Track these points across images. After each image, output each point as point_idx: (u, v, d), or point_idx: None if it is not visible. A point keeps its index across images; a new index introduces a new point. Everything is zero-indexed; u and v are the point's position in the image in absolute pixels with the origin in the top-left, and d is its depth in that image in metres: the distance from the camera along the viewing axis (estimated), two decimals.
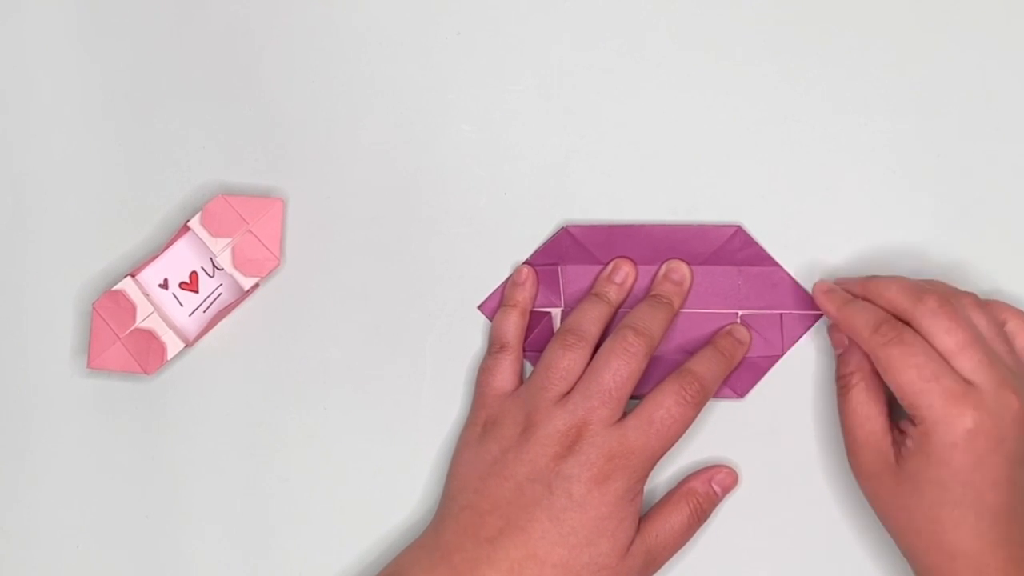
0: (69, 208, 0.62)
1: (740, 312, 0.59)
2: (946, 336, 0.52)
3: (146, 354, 0.59)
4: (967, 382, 0.51)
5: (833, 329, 0.58)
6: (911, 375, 0.51)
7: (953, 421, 0.50)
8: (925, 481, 0.51)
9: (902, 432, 0.53)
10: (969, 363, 0.51)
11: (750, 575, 0.58)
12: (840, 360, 0.56)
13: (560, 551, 0.53)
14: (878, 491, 0.54)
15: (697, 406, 0.55)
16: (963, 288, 0.55)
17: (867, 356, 0.54)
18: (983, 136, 0.60)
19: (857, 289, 0.56)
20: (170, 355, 0.59)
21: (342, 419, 0.60)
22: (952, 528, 0.51)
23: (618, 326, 0.56)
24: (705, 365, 0.56)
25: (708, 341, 0.58)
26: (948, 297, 0.53)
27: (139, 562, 0.60)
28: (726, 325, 0.59)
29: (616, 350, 0.55)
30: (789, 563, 0.58)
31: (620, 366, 0.55)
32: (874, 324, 0.53)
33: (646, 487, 0.56)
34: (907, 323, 0.53)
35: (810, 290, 0.58)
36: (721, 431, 0.59)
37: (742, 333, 0.58)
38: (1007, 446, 0.51)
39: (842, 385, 0.55)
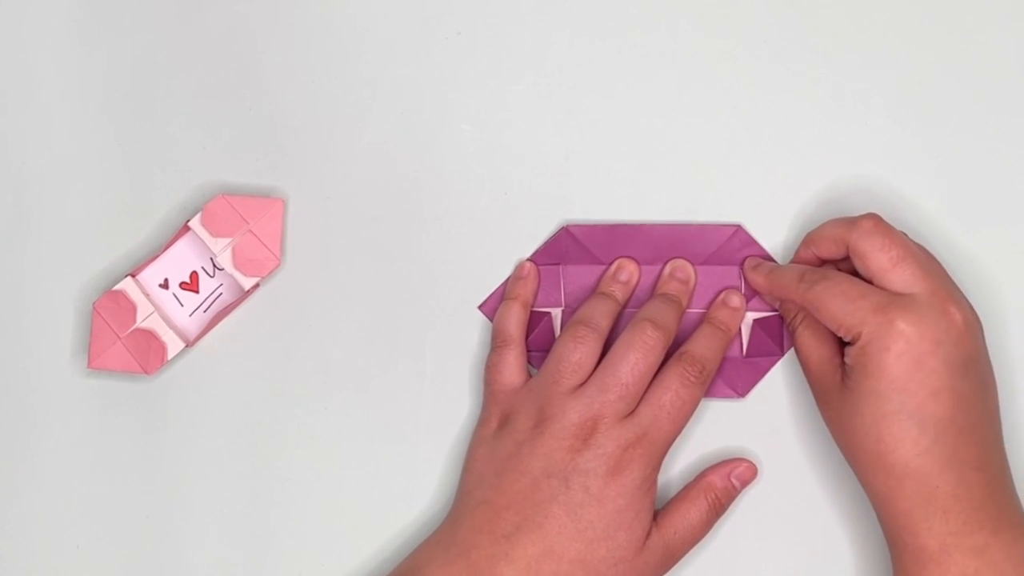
0: (69, 208, 0.62)
1: None
2: (880, 253, 0.53)
3: (146, 354, 0.59)
4: (901, 294, 0.52)
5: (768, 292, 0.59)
6: (838, 301, 0.52)
7: (883, 327, 0.51)
8: (864, 394, 0.51)
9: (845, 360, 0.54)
10: (902, 276, 0.52)
11: (751, 575, 0.58)
12: (782, 309, 0.58)
13: (577, 546, 0.53)
14: (829, 414, 0.55)
15: (702, 385, 0.55)
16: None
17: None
18: (984, 136, 0.60)
19: (800, 249, 0.58)
20: (170, 355, 0.59)
21: (342, 419, 0.60)
22: (895, 445, 0.51)
23: (634, 318, 0.56)
24: (703, 343, 0.57)
25: (703, 317, 0.58)
26: (882, 220, 0.54)
27: (139, 562, 0.60)
28: (719, 293, 0.59)
29: (635, 343, 0.55)
30: (790, 563, 0.58)
31: (639, 360, 0.55)
32: (798, 275, 0.55)
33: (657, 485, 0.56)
34: (845, 254, 0.54)
35: None
36: (721, 431, 0.59)
37: (735, 299, 0.58)
38: (945, 351, 0.51)
39: (791, 329, 0.57)
